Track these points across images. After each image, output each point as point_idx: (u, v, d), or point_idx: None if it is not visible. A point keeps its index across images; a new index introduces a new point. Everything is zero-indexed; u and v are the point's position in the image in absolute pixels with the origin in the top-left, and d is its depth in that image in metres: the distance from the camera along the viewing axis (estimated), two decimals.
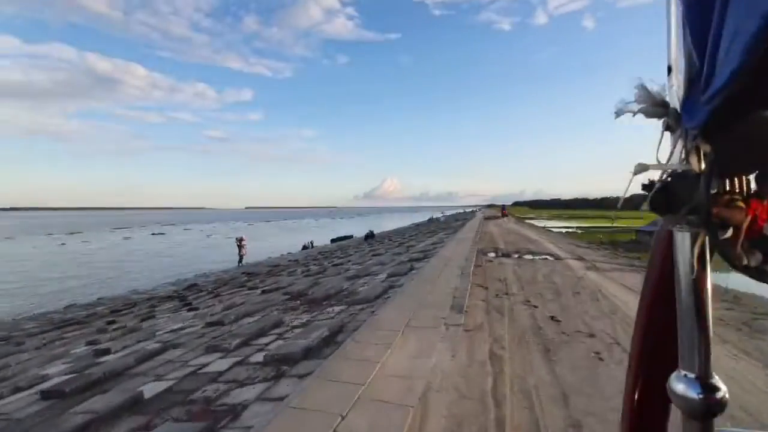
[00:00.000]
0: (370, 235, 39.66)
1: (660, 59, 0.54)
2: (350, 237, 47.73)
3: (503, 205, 70.09)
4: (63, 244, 59.35)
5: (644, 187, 0.52)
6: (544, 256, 11.96)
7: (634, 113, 0.53)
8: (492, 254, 12.24)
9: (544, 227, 64.70)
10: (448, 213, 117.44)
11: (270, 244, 47.15)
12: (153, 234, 76.76)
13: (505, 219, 45.70)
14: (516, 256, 12.26)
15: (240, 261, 31.08)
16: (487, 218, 45.39)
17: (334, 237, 48.42)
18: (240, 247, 32.01)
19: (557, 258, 11.60)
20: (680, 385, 0.49)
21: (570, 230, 70.81)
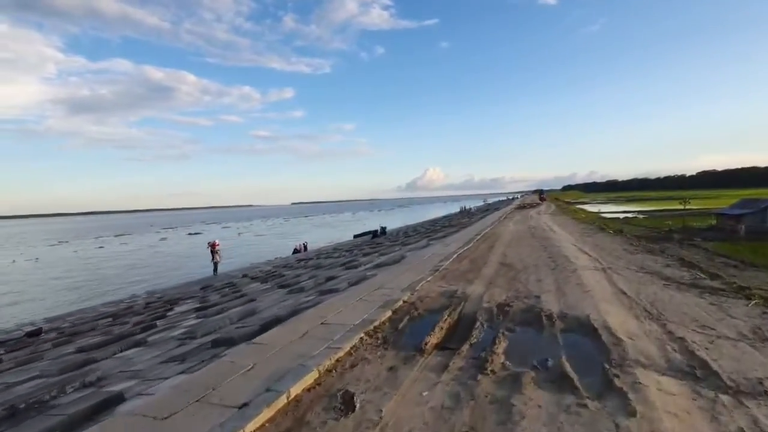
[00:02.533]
0: (380, 232, 34.37)
1: None
2: (380, 230, 43.91)
3: (541, 190, 65.57)
4: (101, 247, 59.89)
5: None
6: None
7: None
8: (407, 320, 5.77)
9: (597, 213, 55.68)
10: (490, 200, 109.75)
11: (270, 246, 44.07)
12: (190, 234, 76.93)
13: (543, 207, 38.24)
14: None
15: (215, 270, 26.91)
16: (521, 207, 38.00)
17: (358, 233, 44.52)
18: (213, 253, 27.79)
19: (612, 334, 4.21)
20: None
21: (629, 215, 60.78)
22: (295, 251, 30.83)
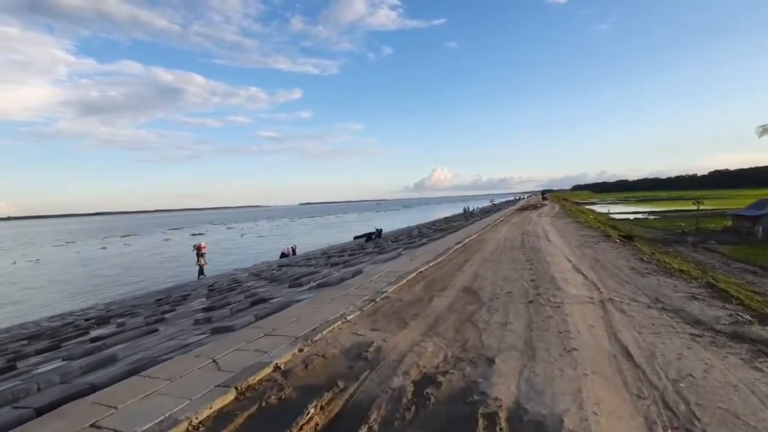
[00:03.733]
0: (376, 235, 32.43)
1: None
2: (375, 233, 42.19)
3: (543, 191, 64.09)
4: (104, 247, 59.35)
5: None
6: None
7: None
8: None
9: (606, 215, 52.73)
10: (497, 201, 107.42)
11: (264, 248, 42.94)
12: (193, 234, 76.21)
13: (546, 208, 35.83)
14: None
15: (200, 272, 25.18)
16: (523, 209, 35.54)
17: (359, 234, 42.77)
18: (199, 256, 26.12)
19: None
20: None
21: (640, 216, 57.88)
22: (283, 255, 29.01)
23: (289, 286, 8.57)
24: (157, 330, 6.72)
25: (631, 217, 55.55)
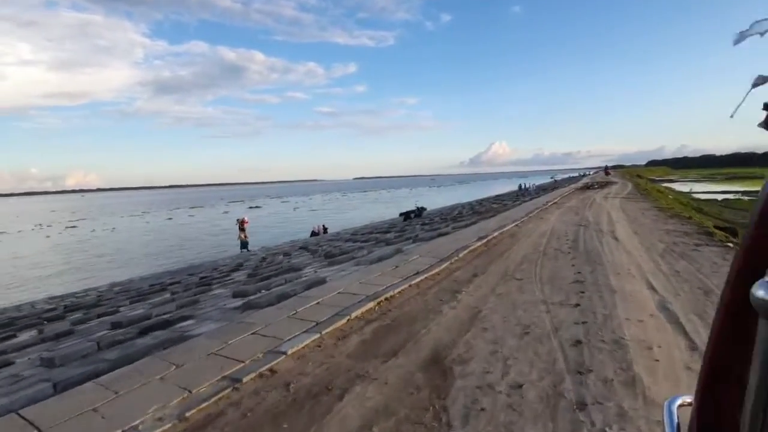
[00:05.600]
0: (415, 213, 29.44)
1: None
2: (424, 209, 39.38)
3: (606, 166, 58.37)
4: (170, 218, 62.42)
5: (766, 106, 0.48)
6: None
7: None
8: None
9: (689, 194, 44.56)
10: (559, 177, 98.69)
11: (309, 224, 41.96)
12: (250, 208, 78.24)
13: (617, 186, 30.23)
14: None
15: (243, 246, 24.15)
16: (586, 187, 30.20)
17: (404, 210, 40.24)
18: (241, 230, 25.08)
19: None
20: (761, 291, 0.44)
21: (730, 196, 48.69)
22: (313, 234, 27.12)
23: (234, 296, 6.14)
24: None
25: (719, 197, 46.89)
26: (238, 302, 5.61)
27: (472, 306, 4.15)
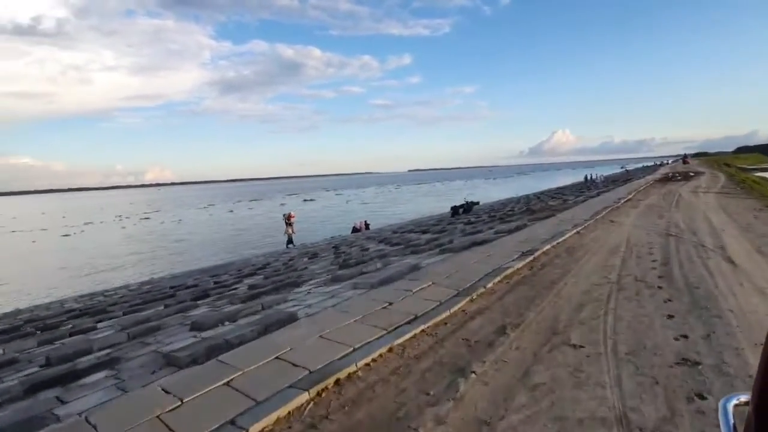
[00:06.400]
0: (465, 209, 27.00)
1: None
2: (476, 204, 36.75)
3: (684, 155, 52.73)
4: (231, 211, 65.35)
5: None
6: None
7: None
8: None
9: None
10: (630, 167, 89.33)
11: (358, 218, 40.99)
12: (305, 200, 79.81)
13: (705, 178, 25.32)
14: None
15: (289, 241, 23.59)
16: (665, 179, 25.58)
17: (457, 204, 37.89)
18: (288, 225, 24.51)
19: None
20: None
21: None
22: (354, 230, 25.82)
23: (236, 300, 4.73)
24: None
25: None
26: (188, 339, 4.18)
27: (480, 419, 2.24)
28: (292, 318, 4.28)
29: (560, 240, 6.90)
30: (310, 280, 7.28)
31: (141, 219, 56.25)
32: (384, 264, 7.36)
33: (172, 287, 11.45)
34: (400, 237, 14.46)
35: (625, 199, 13.90)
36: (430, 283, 4.72)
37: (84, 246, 35.62)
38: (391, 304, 4.08)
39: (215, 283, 10.53)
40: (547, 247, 6.37)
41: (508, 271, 4.98)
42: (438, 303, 3.97)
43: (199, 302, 7.18)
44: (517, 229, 9.14)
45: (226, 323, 4.83)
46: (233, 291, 8.05)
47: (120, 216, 61.53)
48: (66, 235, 42.45)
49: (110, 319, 6.97)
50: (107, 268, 23.76)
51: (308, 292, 5.99)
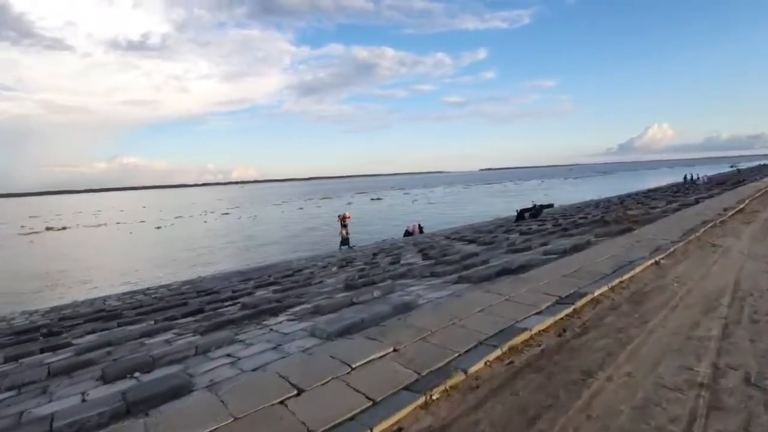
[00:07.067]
0: (531, 213, 23.96)
1: None
2: (548, 207, 33.20)
3: None
4: (301, 208, 67.96)
5: None
6: None
7: None
8: None
9: None
10: (742, 166, 75.40)
11: (421, 218, 39.21)
12: (372, 199, 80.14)
13: None
14: None
15: (344, 243, 22.94)
16: None
17: (524, 207, 34.58)
18: (343, 226, 23.83)
19: None
20: None
21: None
22: (407, 233, 24.26)
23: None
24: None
25: None
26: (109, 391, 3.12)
27: None
28: (183, 389, 2.99)
29: (626, 276, 4.71)
30: (296, 307, 6.00)
31: (222, 214, 60.67)
32: (384, 292, 5.80)
33: (189, 293, 11.04)
34: (440, 248, 12.69)
35: (735, 210, 10.51)
36: (391, 349, 3.09)
37: (170, 239, 38.94)
38: (300, 393, 2.55)
39: (233, 291, 9.83)
40: (602, 289, 4.27)
41: (521, 337, 3.14)
42: (370, 403, 2.36)
43: (175, 323, 6.30)
44: (575, 249, 6.91)
45: (136, 374, 3.71)
46: (225, 309, 7.09)
47: (205, 211, 67.09)
48: (158, 228, 46.99)
49: (81, 337, 6.37)
50: (179, 262, 25.38)
51: (269, 330, 4.69)
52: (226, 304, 7.56)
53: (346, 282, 7.62)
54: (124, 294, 13.03)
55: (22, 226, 52.49)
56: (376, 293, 5.64)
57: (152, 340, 5.23)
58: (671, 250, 5.94)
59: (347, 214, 24.33)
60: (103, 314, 8.67)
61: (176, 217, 58.26)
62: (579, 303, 3.85)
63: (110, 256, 31.19)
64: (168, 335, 5.45)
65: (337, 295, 6.56)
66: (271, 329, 4.68)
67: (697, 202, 13.54)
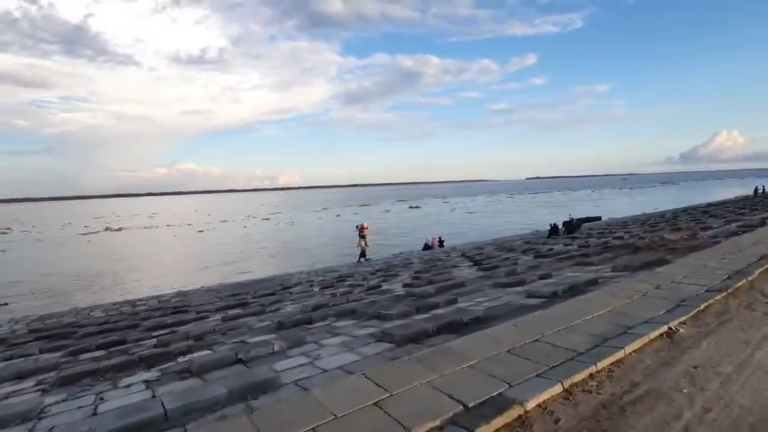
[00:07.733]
0: (567, 228, 21.36)
1: None
2: (596, 219, 30.04)
3: None
4: (338, 215, 68.19)
5: None
6: None
7: None
8: None
9: None
10: None
11: (454, 229, 36.90)
12: (410, 207, 78.66)
13: None
14: None
15: (362, 255, 21.81)
16: None
17: (560, 221, 31.38)
18: (361, 237, 22.66)
19: None
20: None
21: None
22: (426, 247, 22.56)
23: None
24: None
25: None
26: None
27: None
28: None
29: (606, 362, 2.95)
30: (185, 355, 4.76)
31: (263, 219, 62.11)
32: (321, 337, 4.39)
33: (163, 309, 10.29)
34: (437, 271, 11.05)
35: None
36: None
37: (209, 243, 40.04)
38: None
39: (197, 313, 8.90)
40: (549, 394, 2.59)
41: None
42: None
43: (62, 360, 5.32)
44: (570, 293, 5.10)
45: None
46: (141, 344, 6.06)
47: (248, 216, 69.17)
48: (201, 231, 48.73)
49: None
50: (206, 266, 25.60)
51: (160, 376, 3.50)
52: (153, 334, 6.55)
53: (337, 314, 6.09)
54: (114, 304, 12.69)
55: (86, 226, 57.01)
56: (276, 346, 4.22)
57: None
58: (701, 307, 4.00)
59: (365, 224, 23.11)
60: (51, 334, 8.05)
61: (221, 222, 60.40)
62: (512, 414, 2.23)
63: (149, 258, 32.35)
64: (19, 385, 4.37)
65: (261, 336, 5.26)
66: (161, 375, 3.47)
67: (763, 223, 10.74)
